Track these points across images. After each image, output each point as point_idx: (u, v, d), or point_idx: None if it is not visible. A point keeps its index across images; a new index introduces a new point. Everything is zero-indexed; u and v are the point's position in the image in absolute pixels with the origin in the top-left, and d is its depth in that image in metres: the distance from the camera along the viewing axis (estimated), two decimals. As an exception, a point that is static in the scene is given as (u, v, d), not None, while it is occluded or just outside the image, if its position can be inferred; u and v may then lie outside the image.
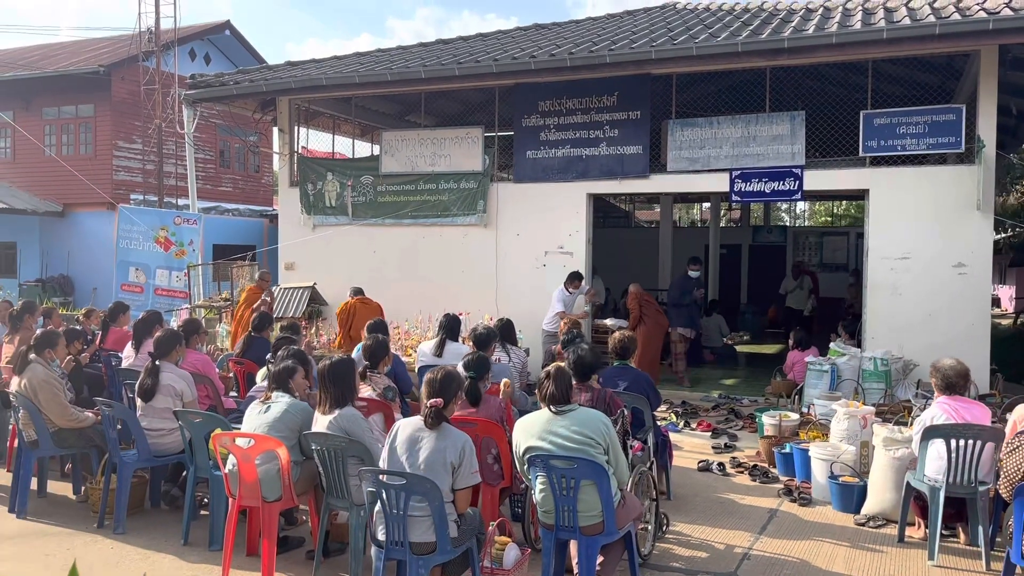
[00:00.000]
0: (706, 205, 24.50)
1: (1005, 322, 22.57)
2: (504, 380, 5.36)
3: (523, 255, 10.86)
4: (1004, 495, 3.92)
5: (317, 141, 13.91)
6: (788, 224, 28.93)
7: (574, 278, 9.99)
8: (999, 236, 24.75)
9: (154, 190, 19.92)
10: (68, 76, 19.68)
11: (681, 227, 27.06)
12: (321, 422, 4.58)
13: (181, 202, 19.23)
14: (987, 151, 8.72)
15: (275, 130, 12.58)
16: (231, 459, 4.54)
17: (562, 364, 4.47)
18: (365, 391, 5.42)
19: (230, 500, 4.59)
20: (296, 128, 12.39)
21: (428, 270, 11.32)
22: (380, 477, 3.80)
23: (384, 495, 3.77)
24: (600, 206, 22.83)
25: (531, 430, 4.16)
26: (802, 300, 14.31)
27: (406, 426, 3.97)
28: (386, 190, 11.51)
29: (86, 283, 19.85)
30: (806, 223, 34.10)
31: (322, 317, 11.62)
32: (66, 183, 19.65)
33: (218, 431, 4.74)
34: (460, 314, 10.02)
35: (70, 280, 20.43)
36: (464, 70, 9.88)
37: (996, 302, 28.98)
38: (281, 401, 4.75)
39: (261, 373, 5.96)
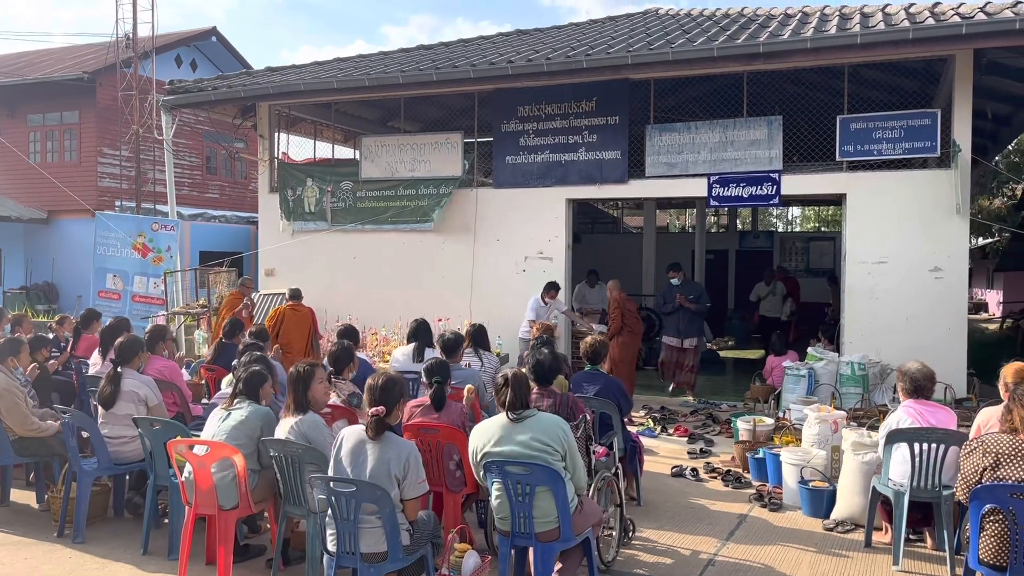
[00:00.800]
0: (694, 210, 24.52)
1: (992, 327, 22.66)
2: (468, 387, 5.31)
3: (503, 260, 10.83)
4: (960, 498, 3.89)
5: (300, 148, 13.88)
6: (776, 230, 29.03)
7: (550, 288, 9.96)
8: (985, 241, 24.89)
9: (146, 197, 19.85)
10: (53, 83, 19.60)
11: (668, 233, 27.10)
12: (284, 426, 4.54)
13: (167, 209, 19.15)
14: (963, 155, 8.73)
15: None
16: (187, 467, 4.49)
17: (521, 370, 4.43)
18: (331, 397, 5.38)
19: (186, 508, 4.53)
20: (276, 134, 12.36)
21: (408, 275, 11.28)
22: (331, 484, 3.75)
23: (335, 502, 3.72)
24: (588, 212, 22.86)
25: (488, 436, 4.12)
26: (777, 306, 13.83)
27: (350, 436, 3.91)
28: (366, 195, 11.47)
29: (71, 290, 19.73)
30: (796, 228, 34.22)
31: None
32: (51, 190, 19.56)
33: (176, 438, 4.69)
34: (438, 320, 10.06)
35: (55, 287, 20.33)
36: (442, 75, 9.86)
37: (984, 307, 29.12)
38: (242, 408, 4.69)
39: (226, 379, 5.90)
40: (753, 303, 14.20)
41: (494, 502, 4.07)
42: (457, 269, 11.02)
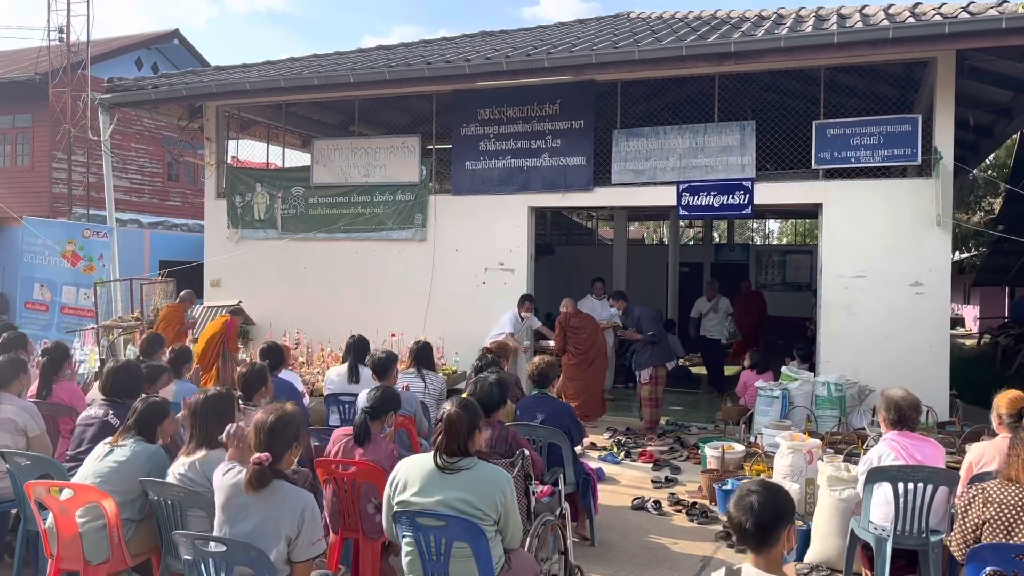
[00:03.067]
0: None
1: (969, 343, 22.31)
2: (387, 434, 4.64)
3: (462, 272, 10.20)
4: (956, 555, 3.32)
5: (253, 152, 13.21)
6: (753, 242, 28.65)
7: (524, 300, 9.36)
8: (963, 256, 24.60)
9: (97, 203, 19.02)
10: (3, 84, 18.77)
11: (641, 245, 26.62)
12: (181, 463, 3.85)
13: (126, 216, 18.42)
14: (945, 163, 8.24)
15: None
16: (49, 513, 3.81)
17: (460, 409, 3.51)
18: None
19: (49, 561, 3.85)
20: (225, 137, 11.68)
21: (361, 288, 10.62)
22: (197, 544, 3.08)
23: (201, 567, 3.06)
24: (561, 223, 22.33)
25: (406, 481, 3.44)
26: (719, 326, 11.87)
27: (225, 485, 3.21)
28: (318, 202, 10.81)
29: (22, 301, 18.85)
30: (774, 242, 33.89)
31: (249, 338, 10.87)
32: (1, 196, 18.69)
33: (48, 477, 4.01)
34: (392, 335, 9.42)
35: (5, 298, 19.42)
36: (395, 74, 9.23)
37: (960, 322, 28.84)
38: (126, 446, 4.00)
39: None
40: (696, 320, 12.44)
41: (405, 560, 3.41)
42: (413, 281, 10.38)
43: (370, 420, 4.35)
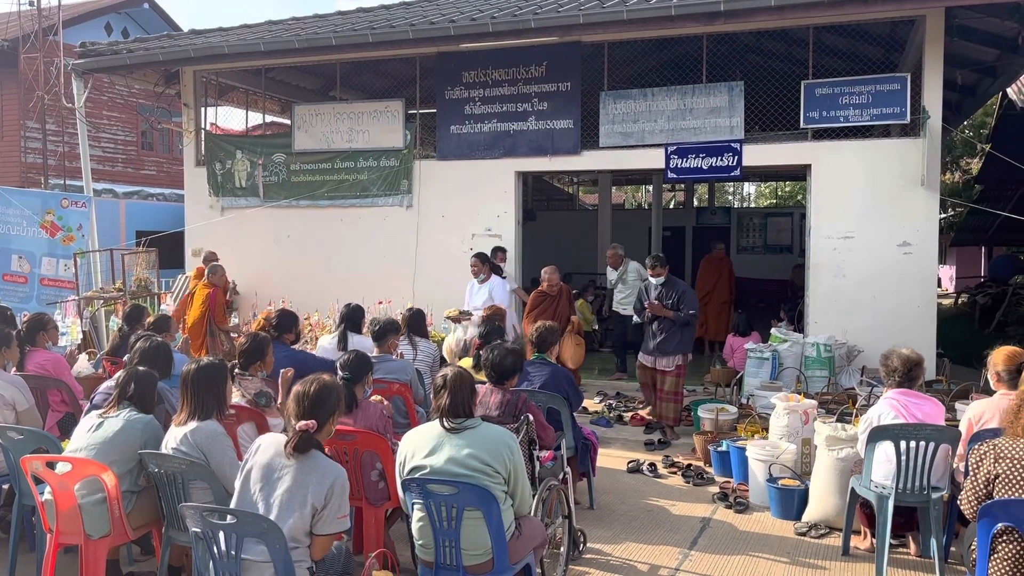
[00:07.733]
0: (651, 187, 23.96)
1: (946, 302, 22.59)
2: (376, 398, 4.59)
3: (448, 238, 10.10)
4: (967, 512, 3.34)
5: (232, 119, 12.96)
6: (733, 206, 28.72)
7: (497, 252, 9.26)
8: (940, 216, 24.80)
9: (70, 173, 18.61)
10: (-32, 51, 18.21)
11: (624, 209, 26.59)
12: (173, 436, 3.80)
13: (100, 186, 18.02)
14: (932, 122, 8.22)
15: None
16: (47, 487, 3.73)
17: (463, 368, 3.66)
18: (235, 396, 4.64)
19: (48, 536, 3.78)
20: (204, 103, 11.42)
21: (346, 256, 10.48)
22: (205, 515, 3.03)
23: (210, 539, 3.01)
24: (543, 188, 22.21)
25: (416, 446, 3.43)
26: (631, 299, 9.11)
27: (268, 447, 3.18)
28: (300, 169, 10.62)
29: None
30: (752, 205, 34.00)
31: (233, 308, 10.74)
32: (-31, 166, 18.24)
33: (43, 451, 3.93)
34: (379, 303, 9.34)
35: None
36: (378, 36, 9.03)
37: (937, 282, 29.15)
38: (118, 416, 3.92)
39: (120, 374, 5.06)
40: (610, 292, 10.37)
41: (415, 526, 3.39)
42: (399, 248, 10.26)
43: (353, 386, 4.30)
